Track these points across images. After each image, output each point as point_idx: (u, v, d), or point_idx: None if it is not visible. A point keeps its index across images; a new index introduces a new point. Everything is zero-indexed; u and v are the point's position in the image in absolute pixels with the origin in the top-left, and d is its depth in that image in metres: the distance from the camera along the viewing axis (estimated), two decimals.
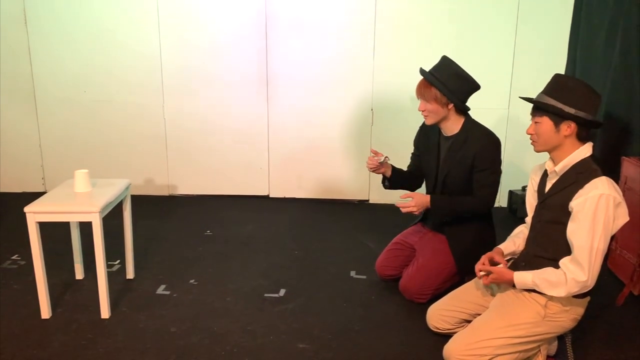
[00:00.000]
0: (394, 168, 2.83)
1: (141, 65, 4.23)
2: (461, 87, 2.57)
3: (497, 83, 4.08)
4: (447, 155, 2.68)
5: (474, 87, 2.61)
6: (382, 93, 4.19)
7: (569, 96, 1.99)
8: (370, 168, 2.74)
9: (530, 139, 2.12)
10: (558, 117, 2.00)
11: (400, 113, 4.16)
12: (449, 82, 2.54)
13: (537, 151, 2.13)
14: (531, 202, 2.27)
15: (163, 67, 4.23)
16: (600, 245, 1.91)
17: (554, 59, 3.95)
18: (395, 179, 2.83)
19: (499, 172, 2.64)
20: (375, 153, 2.74)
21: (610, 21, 3.25)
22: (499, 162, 2.63)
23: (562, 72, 3.92)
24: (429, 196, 2.66)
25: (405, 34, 4.06)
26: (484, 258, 2.24)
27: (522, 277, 2.05)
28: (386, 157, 2.74)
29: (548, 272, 2.00)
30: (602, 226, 1.90)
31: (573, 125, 2.00)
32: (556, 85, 2.05)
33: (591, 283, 1.94)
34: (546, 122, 2.03)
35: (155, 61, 4.22)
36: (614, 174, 2.42)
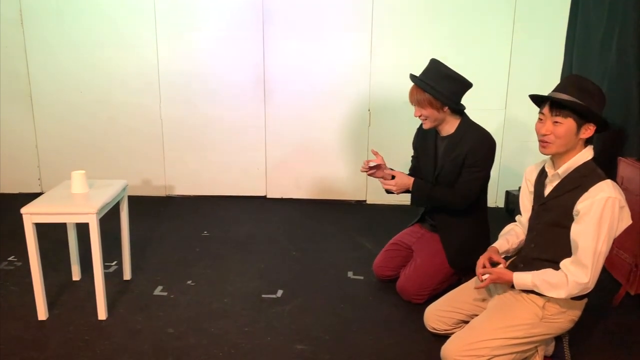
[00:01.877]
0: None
1: (138, 66, 4.23)
2: (453, 88, 2.56)
3: (494, 84, 4.08)
4: (443, 155, 2.68)
5: (466, 86, 2.60)
6: (380, 94, 4.20)
7: (592, 98, 1.94)
8: (367, 173, 2.72)
9: (544, 140, 1.99)
10: (582, 119, 1.94)
11: (397, 114, 4.16)
12: (440, 85, 2.53)
13: (549, 153, 2.02)
14: (525, 204, 2.26)
15: (160, 67, 4.23)
16: (604, 248, 1.91)
17: (551, 60, 3.96)
18: None
19: (487, 173, 2.62)
20: (376, 154, 2.73)
21: (606, 21, 3.25)
22: (490, 163, 2.61)
23: (559, 72, 3.92)
24: (412, 179, 2.65)
25: (403, 35, 4.07)
26: (483, 259, 2.21)
27: (522, 278, 2.05)
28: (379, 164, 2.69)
29: (548, 273, 1.99)
30: (607, 229, 1.89)
31: (592, 127, 1.95)
32: (578, 86, 1.96)
33: (592, 285, 1.94)
34: (570, 123, 1.94)
35: (152, 62, 4.22)
36: (611, 174, 2.42)
